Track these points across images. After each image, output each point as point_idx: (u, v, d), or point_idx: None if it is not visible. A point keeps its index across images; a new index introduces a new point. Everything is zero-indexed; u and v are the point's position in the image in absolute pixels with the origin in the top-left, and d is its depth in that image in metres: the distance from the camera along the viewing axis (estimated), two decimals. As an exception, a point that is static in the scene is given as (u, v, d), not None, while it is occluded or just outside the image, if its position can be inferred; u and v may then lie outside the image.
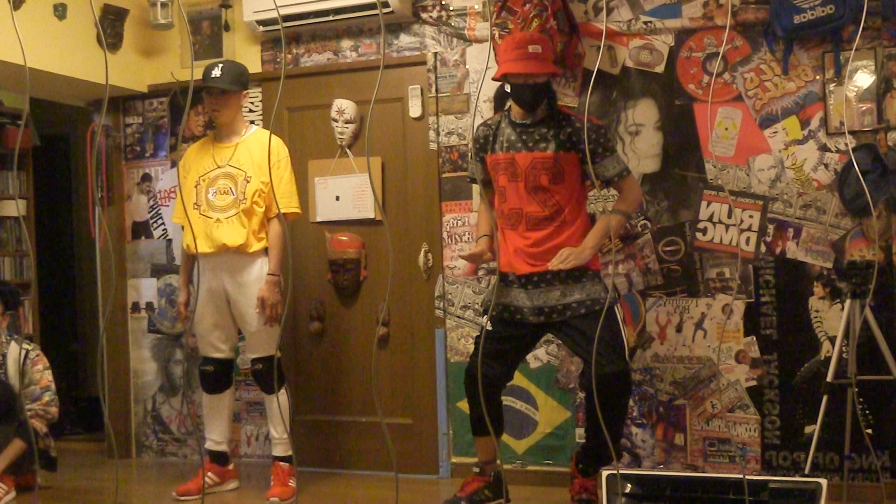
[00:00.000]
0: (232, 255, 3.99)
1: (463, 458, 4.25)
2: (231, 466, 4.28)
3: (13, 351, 4.26)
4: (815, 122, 3.78)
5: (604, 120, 4.05)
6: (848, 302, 3.50)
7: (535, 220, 3.48)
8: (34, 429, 4.19)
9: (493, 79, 3.57)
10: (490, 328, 3.53)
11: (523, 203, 3.48)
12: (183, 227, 4.43)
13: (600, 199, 4.06)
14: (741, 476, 3.43)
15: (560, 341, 3.72)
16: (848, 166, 3.69)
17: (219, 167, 4.05)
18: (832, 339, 3.73)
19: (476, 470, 3.70)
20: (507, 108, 3.61)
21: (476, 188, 4.19)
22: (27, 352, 4.29)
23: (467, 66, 4.29)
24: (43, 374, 4.30)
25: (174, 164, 4.91)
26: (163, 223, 4.96)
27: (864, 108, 3.71)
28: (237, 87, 4.04)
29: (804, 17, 3.67)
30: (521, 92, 3.45)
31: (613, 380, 3.35)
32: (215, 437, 4.21)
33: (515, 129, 3.52)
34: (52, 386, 4.32)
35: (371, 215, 4.48)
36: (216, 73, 3.99)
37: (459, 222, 4.31)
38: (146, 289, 4.99)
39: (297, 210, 4.11)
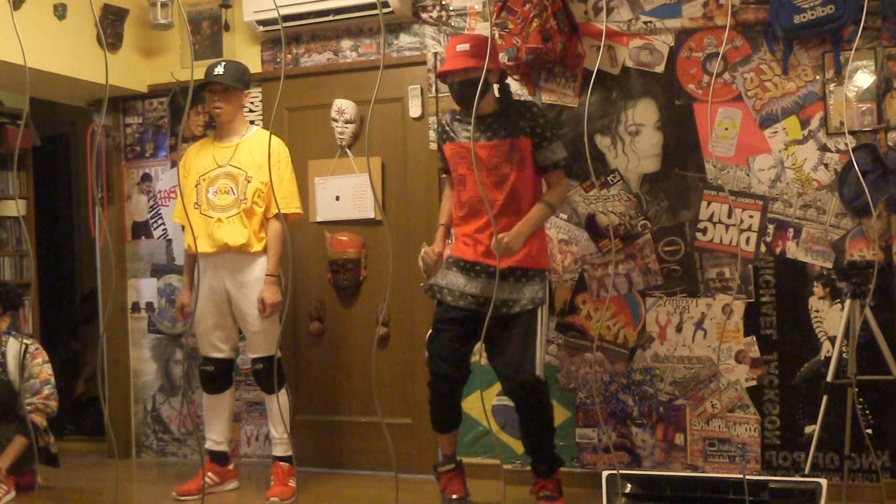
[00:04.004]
0: (233, 254, 3.99)
1: (463, 457, 4.23)
2: (231, 466, 4.28)
3: (12, 346, 4.27)
4: (815, 122, 3.78)
5: (604, 119, 4.05)
6: (848, 302, 3.50)
7: (495, 209, 3.51)
8: (34, 423, 4.19)
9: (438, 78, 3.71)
10: (440, 322, 3.61)
11: (484, 191, 3.51)
12: (183, 228, 4.43)
13: (599, 199, 4.06)
14: (741, 476, 3.43)
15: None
16: (848, 166, 3.69)
17: (219, 167, 4.05)
18: (832, 339, 3.73)
19: (449, 467, 3.72)
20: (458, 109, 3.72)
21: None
22: (26, 346, 4.30)
23: (467, 66, 4.29)
24: (42, 367, 4.30)
25: (174, 164, 4.91)
26: (163, 223, 4.96)
27: (864, 108, 3.71)
28: (240, 85, 4.05)
29: (804, 17, 3.67)
30: (452, 88, 3.58)
31: (522, 389, 3.45)
32: (215, 437, 4.21)
33: (469, 120, 3.58)
34: (52, 380, 4.32)
35: (371, 215, 4.48)
36: (219, 70, 4.00)
37: (459, 222, 4.31)
38: (146, 289, 4.99)
39: (299, 210, 4.11)
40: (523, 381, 3.44)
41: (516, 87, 4.15)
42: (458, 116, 3.68)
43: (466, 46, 3.50)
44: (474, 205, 3.56)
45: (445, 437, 3.75)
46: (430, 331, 3.68)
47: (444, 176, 3.90)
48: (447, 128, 3.68)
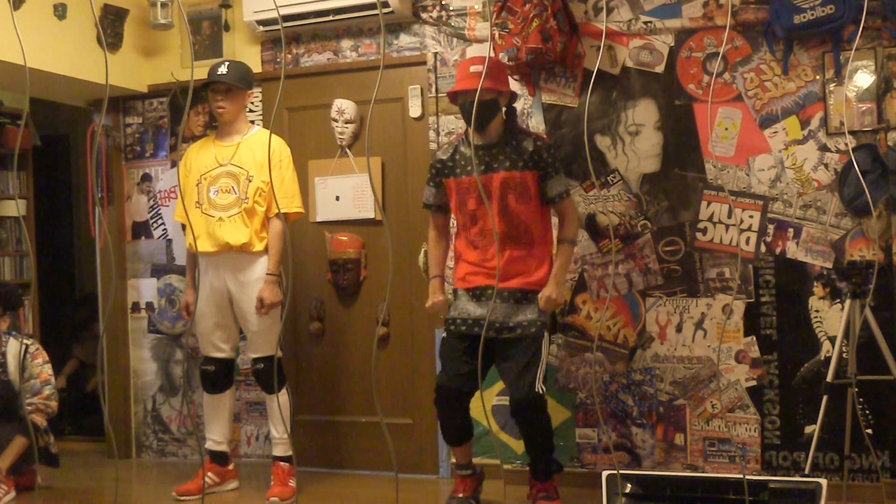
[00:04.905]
0: (235, 254, 3.99)
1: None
2: (231, 466, 4.28)
3: (13, 347, 4.27)
4: (815, 122, 3.78)
5: (604, 119, 4.06)
6: (848, 302, 3.50)
7: (505, 240, 3.55)
8: (34, 423, 4.19)
9: (449, 99, 3.72)
10: (450, 342, 3.67)
11: (494, 223, 3.53)
12: (184, 227, 4.43)
13: (599, 199, 4.06)
14: (741, 476, 3.44)
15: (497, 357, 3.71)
16: (848, 166, 3.69)
17: (221, 166, 4.05)
18: (832, 339, 3.73)
19: (467, 472, 3.77)
20: (465, 131, 3.74)
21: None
22: (27, 346, 4.30)
23: (467, 66, 4.28)
24: (42, 367, 4.30)
25: (174, 164, 4.91)
26: (163, 223, 4.96)
27: (864, 108, 3.71)
28: (243, 85, 4.05)
29: (804, 17, 3.67)
30: (464, 109, 3.61)
31: (523, 405, 3.51)
32: (215, 437, 4.21)
33: (477, 151, 3.59)
34: (52, 380, 4.32)
35: (371, 215, 4.48)
36: (223, 69, 4.00)
37: (459, 222, 4.31)
38: (146, 289, 4.99)
39: (300, 210, 4.11)
40: (522, 399, 3.50)
41: (516, 87, 4.15)
42: (461, 149, 3.65)
43: (480, 68, 3.53)
44: (483, 237, 3.59)
45: (456, 449, 3.78)
46: (441, 345, 3.77)
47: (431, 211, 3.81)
48: (448, 163, 3.67)
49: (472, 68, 3.56)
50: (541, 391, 3.51)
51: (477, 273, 3.62)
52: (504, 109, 3.64)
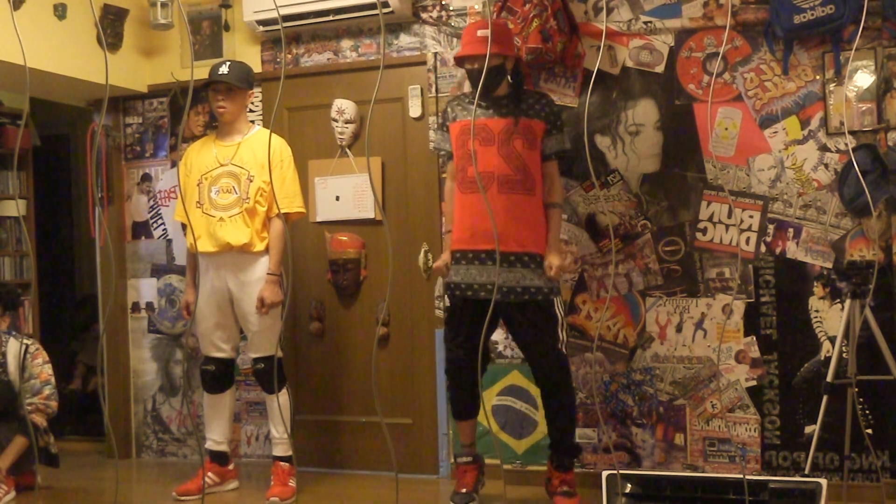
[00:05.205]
0: (236, 254, 3.99)
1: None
2: (231, 466, 4.28)
3: (13, 347, 4.27)
4: (815, 122, 3.78)
5: (604, 119, 4.06)
6: (848, 302, 3.50)
7: (507, 183, 3.55)
8: (34, 423, 4.19)
9: (455, 62, 3.78)
10: (451, 309, 3.70)
11: (495, 166, 3.55)
12: (184, 226, 4.43)
13: (599, 199, 4.06)
14: (741, 476, 3.44)
15: (506, 325, 3.78)
16: (848, 166, 3.69)
17: (221, 165, 4.05)
18: (832, 339, 3.73)
19: (467, 459, 3.77)
20: (471, 92, 3.82)
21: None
22: (27, 346, 4.30)
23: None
24: (43, 367, 4.30)
25: (174, 164, 4.91)
26: (163, 223, 4.96)
27: (864, 108, 3.71)
28: (244, 85, 4.05)
29: (804, 17, 3.67)
30: (471, 73, 3.66)
31: (553, 370, 3.57)
32: (215, 437, 4.21)
33: (485, 99, 3.64)
34: (52, 380, 4.32)
35: (371, 215, 4.48)
36: (224, 69, 4.00)
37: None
38: (146, 289, 4.99)
39: (301, 210, 4.11)
40: (551, 364, 3.55)
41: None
42: (465, 100, 3.74)
43: (487, 33, 3.55)
44: (486, 179, 3.57)
45: (463, 424, 3.78)
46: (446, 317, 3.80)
47: (443, 175, 3.89)
48: (457, 107, 3.73)
49: (480, 32, 3.58)
50: (565, 353, 3.60)
51: (467, 230, 3.59)
52: (510, 73, 3.66)
